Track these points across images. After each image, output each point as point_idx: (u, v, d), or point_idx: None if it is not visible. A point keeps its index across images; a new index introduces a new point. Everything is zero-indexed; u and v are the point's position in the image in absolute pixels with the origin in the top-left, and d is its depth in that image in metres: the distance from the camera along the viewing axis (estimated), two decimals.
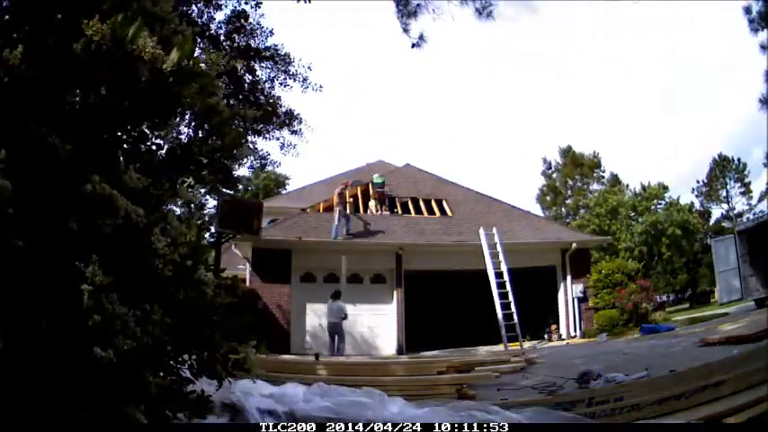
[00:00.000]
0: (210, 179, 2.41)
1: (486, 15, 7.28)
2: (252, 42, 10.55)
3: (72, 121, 1.76)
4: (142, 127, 2.07)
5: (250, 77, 10.96)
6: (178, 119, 2.31)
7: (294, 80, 11.19)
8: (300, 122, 12.05)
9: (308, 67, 11.20)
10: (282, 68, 11.01)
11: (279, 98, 11.52)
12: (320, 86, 11.33)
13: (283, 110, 11.73)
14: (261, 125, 11.40)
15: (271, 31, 10.61)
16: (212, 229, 11.63)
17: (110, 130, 1.90)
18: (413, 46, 7.79)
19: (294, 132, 12.29)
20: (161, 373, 2.08)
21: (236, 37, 10.39)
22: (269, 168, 28.75)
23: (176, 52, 1.87)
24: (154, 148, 2.20)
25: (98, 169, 1.73)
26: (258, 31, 10.52)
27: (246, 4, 10.08)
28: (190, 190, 2.36)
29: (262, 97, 11.05)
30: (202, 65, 2.13)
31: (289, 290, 14.12)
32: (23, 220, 1.61)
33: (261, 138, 12.19)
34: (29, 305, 1.62)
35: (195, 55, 2.01)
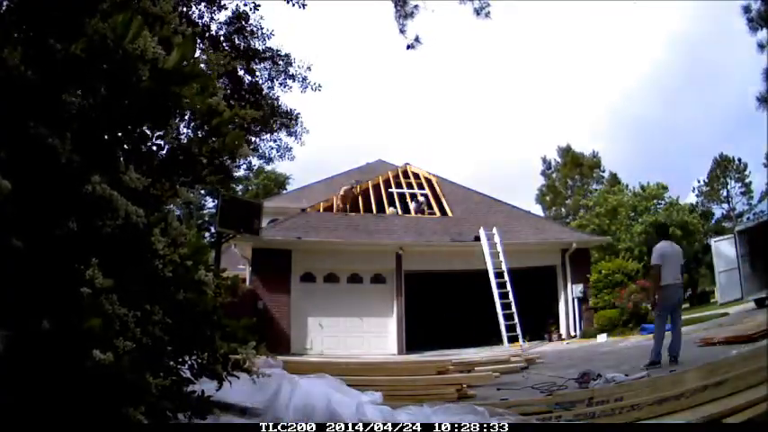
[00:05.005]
0: (211, 179, 2.41)
1: (484, 15, 7.30)
2: (252, 43, 10.53)
3: (72, 122, 1.76)
4: (142, 128, 2.07)
5: (249, 78, 10.95)
6: (178, 119, 2.31)
7: (294, 80, 11.17)
8: (297, 122, 12.02)
9: (308, 68, 11.18)
10: (282, 69, 10.99)
11: (278, 98, 11.51)
12: (319, 86, 11.30)
13: (281, 110, 11.72)
14: (259, 127, 11.37)
15: (271, 33, 10.60)
16: (212, 229, 11.64)
17: (110, 131, 1.90)
18: (408, 47, 7.82)
19: (292, 134, 12.28)
20: (161, 374, 2.08)
21: (236, 38, 10.37)
22: (269, 168, 28.76)
23: (177, 53, 1.87)
24: (154, 148, 2.20)
25: (98, 170, 1.73)
26: (258, 33, 10.51)
27: (246, 5, 10.07)
28: (190, 190, 2.36)
29: (261, 98, 11.03)
30: (202, 65, 2.13)
31: (289, 290, 14.12)
32: (23, 220, 1.61)
33: (259, 139, 12.16)
34: (29, 307, 1.62)
35: (195, 56, 2.01)
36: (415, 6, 7.55)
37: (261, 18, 10.40)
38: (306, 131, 12.34)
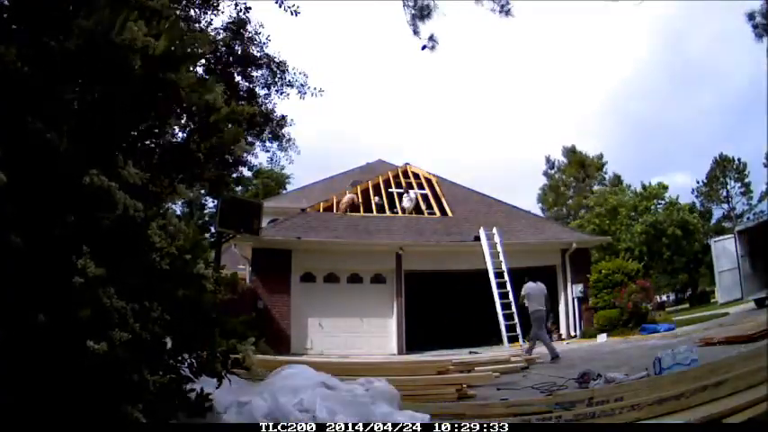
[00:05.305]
0: (210, 175, 2.40)
1: (504, 13, 7.20)
2: (250, 50, 10.50)
3: (69, 117, 1.76)
4: (139, 120, 2.06)
5: (247, 85, 10.92)
6: (176, 118, 2.30)
7: (291, 87, 11.10)
8: (289, 125, 11.99)
9: (305, 74, 11.12)
10: (278, 76, 10.94)
11: (274, 106, 11.49)
12: (321, 91, 11.18)
13: (274, 116, 11.69)
14: (254, 133, 11.36)
15: (268, 39, 10.56)
16: (212, 229, 11.64)
17: (107, 124, 1.89)
18: (423, 48, 7.71)
19: (282, 149, 12.39)
20: (160, 372, 2.07)
21: (234, 45, 10.35)
22: (268, 167, 28.70)
23: (164, 39, 1.86)
24: (152, 145, 2.19)
25: (96, 163, 1.72)
26: (257, 39, 10.47)
27: (239, 9, 10.05)
28: (189, 188, 2.35)
29: (256, 105, 11.01)
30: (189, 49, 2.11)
31: (289, 290, 14.11)
32: (21, 215, 1.60)
33: (251, 155, 12.22)
34: (26, 301, 1.61)
35: (182, 38, 2.00)
36: (427, 5, 7.46)
37: (260, 26, 10.37)
38: (296, 150, 12.44)
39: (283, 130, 11.83)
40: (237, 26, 10.13)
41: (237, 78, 10.56)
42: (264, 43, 10.50)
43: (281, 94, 11.18)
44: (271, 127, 11.65)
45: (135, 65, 1.78)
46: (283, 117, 11.69)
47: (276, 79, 10.94)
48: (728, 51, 55.91)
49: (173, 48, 1.89)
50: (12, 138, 1.60)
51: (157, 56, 1.82)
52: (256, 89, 11.07)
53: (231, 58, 10.15)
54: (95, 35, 1.70)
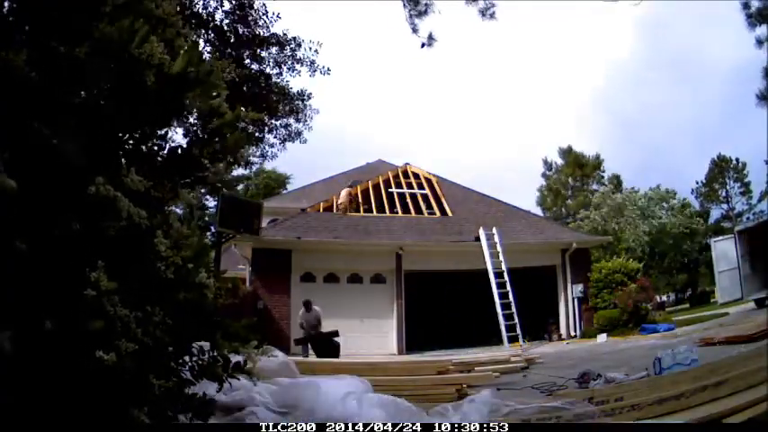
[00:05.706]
0: (212, 180, 2.41)
1: (489, 16, 7.26)
2: (257, 31, 10.44)
3: (76, 124, 1.76)
4: (145, 129, 2.07)
5: (257, 66, 10.87)
6: (181, 119, 2.31)
7: (302, 65, 11.04)
8: (308, 99, 11.87)
9: (316, 50, 11.02)
10: (289, 54, 10.87)
11: (288, 83, 11.41)
12: (328, 69, 11.10)
13: (291, 94, 11.63)
14: (267, 115, 11.30)
15: (278, 16, 10.46)
16: (212, 230, 11.64)
17: (113, 133, 1.90)
18: (422, 46, 7.74)
19: (300, 120, 12.23)
20: (163, 375, 2.08)
21: (241, 27, 10.30)
22: (269, 167, 28.67)
23: (183, 58, 1.87)
24: (155, 149, 2.20)
25: (101, 171, 1.73)
26: (264, 19, 10.41)
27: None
28: (191, 192, 2.35)
29: (271, 84, 10.96)
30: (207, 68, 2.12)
31: (289, 290, 14.12)
32: (27, 221, 1.61)
33: (268, 131, 12.11)
34: (33, 307, 1.62)
35: (202, 59, 2.01)
36: (426, 4, 7.50)
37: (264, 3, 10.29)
38: (316, 112, 12.26)
39: (302, 104, 11.82)
40: (242, 8, 10.11)
41: (246, 61, 10.54)
42: (272, 21, 10.47)
43: (293, 71, 11.16)
44: (290, 105, 11.64)
45: (149, 80, 1.79)
46: (302, 92, 11.69)
47: (287, 57, 10.91)
48: (727, 48, 55.89)
49: (189, 70, 1.89)
50: (17, 143, 1.62)
51: (173, 74, 1.83)
52: (266, 69, 11.06)
53: (239, 41, 10.14)
54: (114, 44, 1.71)
